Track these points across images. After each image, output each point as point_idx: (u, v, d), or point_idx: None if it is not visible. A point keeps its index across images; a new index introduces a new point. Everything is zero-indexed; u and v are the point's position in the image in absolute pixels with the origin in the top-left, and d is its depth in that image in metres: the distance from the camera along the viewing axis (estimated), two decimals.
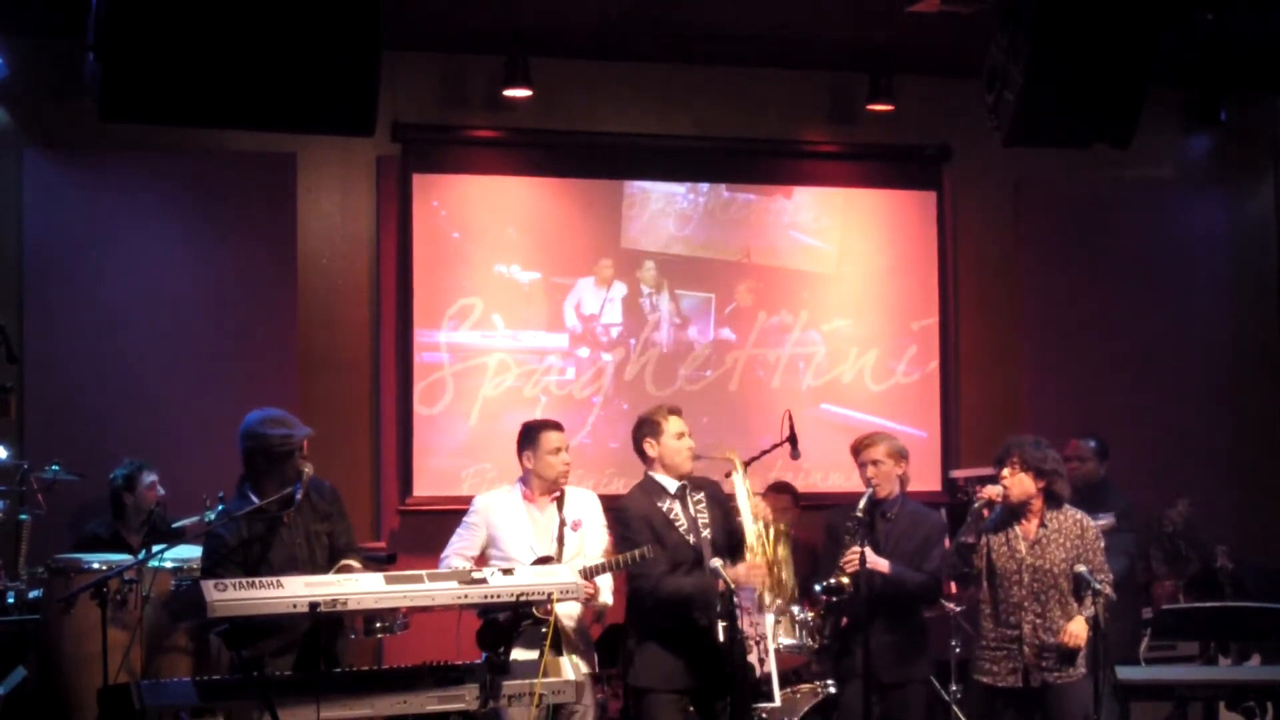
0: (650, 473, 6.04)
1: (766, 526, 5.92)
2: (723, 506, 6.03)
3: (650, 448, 6.01)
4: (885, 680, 6.08)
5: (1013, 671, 5.97)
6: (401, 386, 8.53)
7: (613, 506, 6.24)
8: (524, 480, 6.26)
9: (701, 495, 6.00)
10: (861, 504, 6.07)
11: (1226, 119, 9.33)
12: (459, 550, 6.22)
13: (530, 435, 6.24)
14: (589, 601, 6.09)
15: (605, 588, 6.26)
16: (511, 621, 5.38)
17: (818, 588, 6.25)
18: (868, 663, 6.02)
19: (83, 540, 7.28)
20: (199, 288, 8.25)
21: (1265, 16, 7.93)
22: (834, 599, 6.15)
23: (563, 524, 6.12)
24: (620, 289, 8.84)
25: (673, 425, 5.98)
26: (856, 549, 6.03)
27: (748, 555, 5.87)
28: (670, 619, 5.85)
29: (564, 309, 8.75)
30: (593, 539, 6.23)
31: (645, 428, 6.03)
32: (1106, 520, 6.92)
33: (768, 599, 6.00)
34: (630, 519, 5.96)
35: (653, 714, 5.87)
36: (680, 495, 5.96)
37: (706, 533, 5.93)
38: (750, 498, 5.94)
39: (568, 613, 6.06)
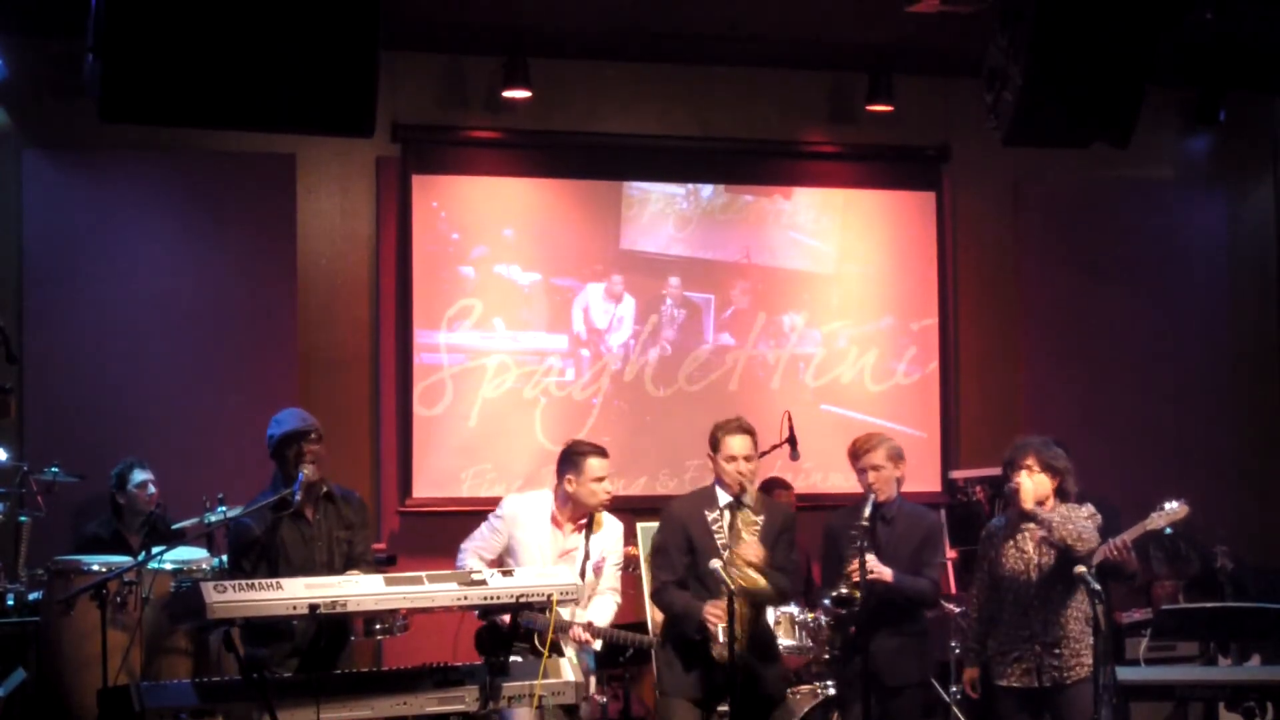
0: (716, 480, 5.93)
1: (754, 572, 5.65)
2: (781, 538, 5.84)
3: (710, 460, 5.91)
4: (889, 683, 6.06)
5: (1026, 672, 5.96)
6: (401, 387, 8.53)
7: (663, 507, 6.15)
8: (558, 498, 6.11)
9: (760, 520, 5.80)
10: (866, 511, 6.00)
11: (1226, 119, 9.32)
12: (478, 550, 6.11)
13: (572, 459, 6.07)
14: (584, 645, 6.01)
15: (605, 615, 6.17)
16: (511, 626, 5.39)
17: (827, 601, 6.18)
18: (866, 667, 5.99)
19: (83, 541, 7.27)
20: (199, 288, 8.24)
21: (1265, 16, 7.94)
22: (843, 610, 6.05)
23: (587, 557, 6.03)
24: (630, 304, 8.82)
25: (729, 445, 5.81)
26: (858, 560, 5.98)
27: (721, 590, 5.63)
28: (672, 627, 5.85)
29: (572, 310, 8.75)
30: (607, 574, 6.16)
31: (710, 440, 5.89)
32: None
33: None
34: (668, 519, 5.91)
35: (665, 716, 5.89)
36: (731, 509, 5.81)
37: None
38: (748, 537, 5.71)
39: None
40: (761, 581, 5.63)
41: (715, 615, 5.62)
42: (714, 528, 5.79)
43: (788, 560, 5.89)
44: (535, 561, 5.95)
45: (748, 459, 5.80)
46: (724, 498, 5.84)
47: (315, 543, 5.72)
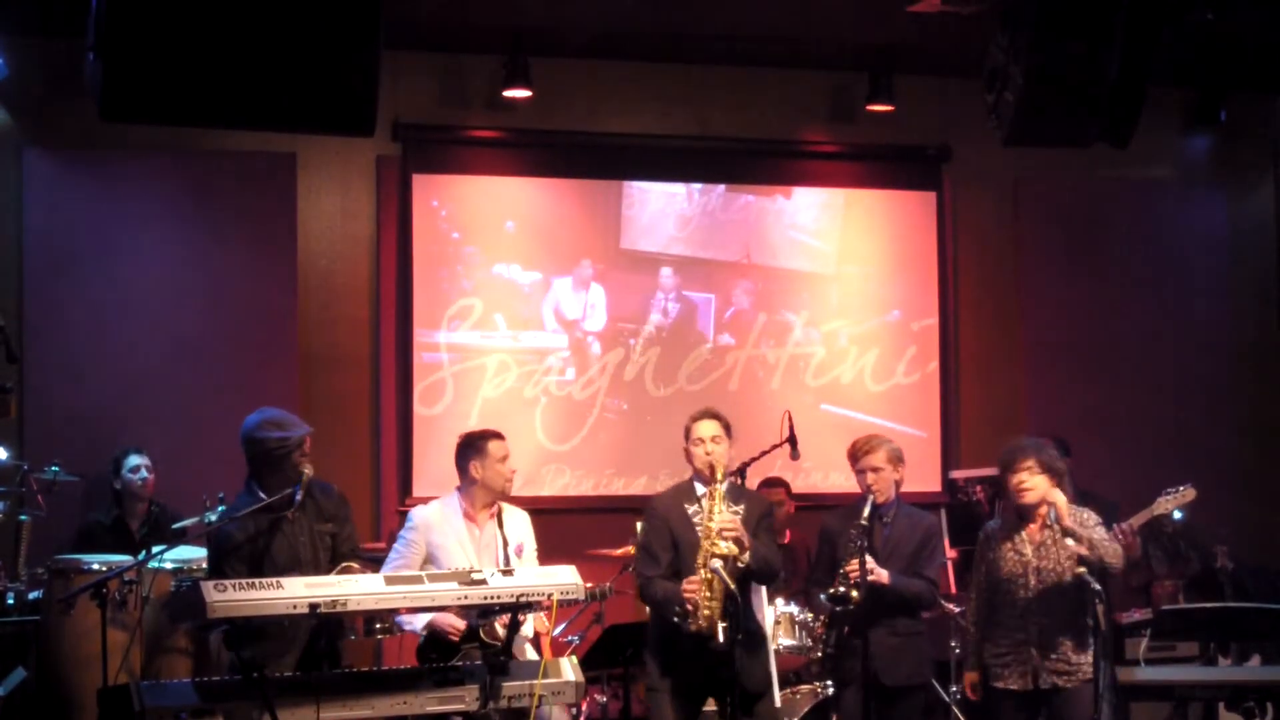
0: (693, 473, 5.98)
1: (736, 548, 5.67)
2: (760, 524, 5.89)
3: (684, 452, 5.98)
4: (887, 683, 6.05)
5: (1024, 675, 5.95)
6: (401, 386, 8.54)
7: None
8: (465, 492, 6.09)
9: (741, 508, 5.85)
10: (865, 512, 6.01)
11: (1226, 119, 9.33)
12: (398, 569, 5.91)
13: (473, 447, 6.09)
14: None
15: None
16: (511, 626, 5.39)
17: (823, 598, 6.18)
18: (867, 668, 5.98)
19: (86, 528, 7.33)
20: (199, 287, 8.25)
21: (1265, 16, 7.93)
22: (839, 609, 6.06)
23: (505, 544, 6.00)
24: (599, 292, 8.82)
25: (696, 430, 5.91)
26: (858, 560, 5.98)
27: (699, 571, 5.68)
28: (661, 619, 5.87)
29: (542, 311, 8.74)
30: (528, 563, 6.07)
31: (684, 433, 5.98)
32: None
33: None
34: (650, 517, 6.00)
35: (652, 711, 5.89)
36: (707, 497, 5.81)
37: None
38: (719, 516, 5.71)
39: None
40: (734, 549, 5.65)
41: (689, 590, 5.67)
42: (694, 520, 5.83)
43: (770, 544, 5.95)
44: (459, 560, 5.86)
45: (715, 441, 5.88)
46: (701, 489, 5.88)
47: (299, 539, 5.66)
